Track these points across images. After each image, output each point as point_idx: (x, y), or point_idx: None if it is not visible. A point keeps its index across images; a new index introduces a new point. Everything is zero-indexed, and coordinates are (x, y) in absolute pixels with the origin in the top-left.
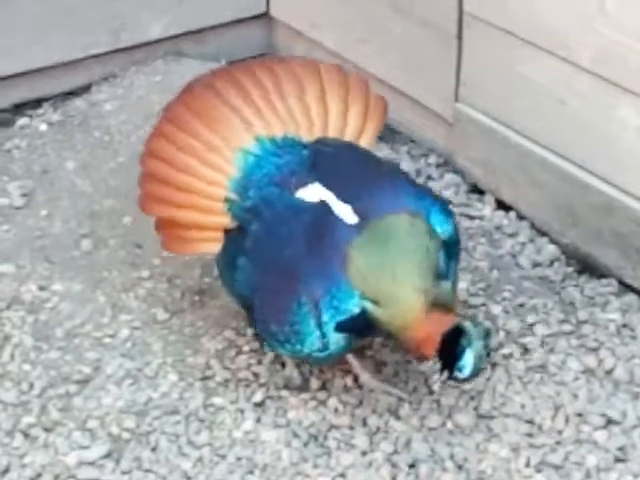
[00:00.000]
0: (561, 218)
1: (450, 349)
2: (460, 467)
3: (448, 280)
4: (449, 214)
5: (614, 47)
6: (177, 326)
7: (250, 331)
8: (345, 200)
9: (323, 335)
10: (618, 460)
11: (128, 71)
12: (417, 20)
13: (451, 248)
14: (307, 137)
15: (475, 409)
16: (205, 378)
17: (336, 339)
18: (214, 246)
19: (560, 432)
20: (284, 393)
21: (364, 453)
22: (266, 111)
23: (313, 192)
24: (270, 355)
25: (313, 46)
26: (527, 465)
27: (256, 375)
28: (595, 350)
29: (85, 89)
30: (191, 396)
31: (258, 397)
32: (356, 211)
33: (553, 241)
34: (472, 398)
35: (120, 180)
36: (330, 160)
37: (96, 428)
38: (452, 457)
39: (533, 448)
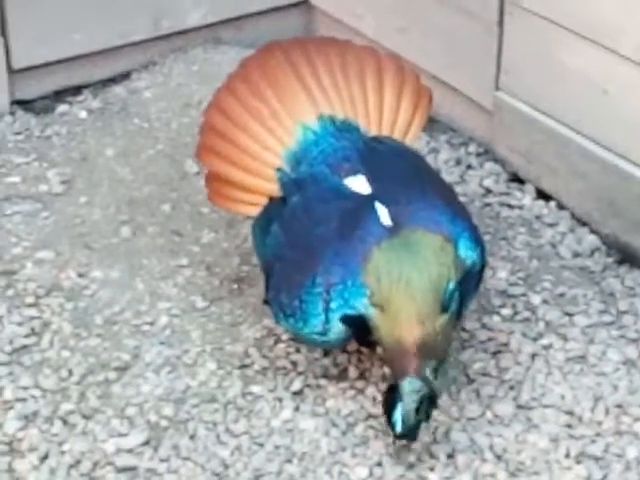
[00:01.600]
0: (602, 208)
1: (386, 406)
2: (499, 457)
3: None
4: (477, 242)
5: None
6: (216, 314)
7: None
8: (384, 201)
9: (327, 320)
10: None
11: (167, 58)
12: (457, 8)
13: (472, 275)
14: (364, 125)
15: (514, 399)
16: (243, 366)
17: (338, 329)
18: (256, 210)
19: (600, 423)
20: (322, 382)
21: (402, 443)
22: (331, 91)
23: (360, 183)
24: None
25: (353, 34)
26: (567, 456)
27: (294, 364)
28: (635, 341)
29: (125, 76)
30: (229, 384)
31: (296, 386)
32: (391, 215)
33: (593, 231)
34: (511, 388)
35: (159, 167)
36: (381, 159)
37: (134, 416)
38: (491, 447)
39: (573, 439)
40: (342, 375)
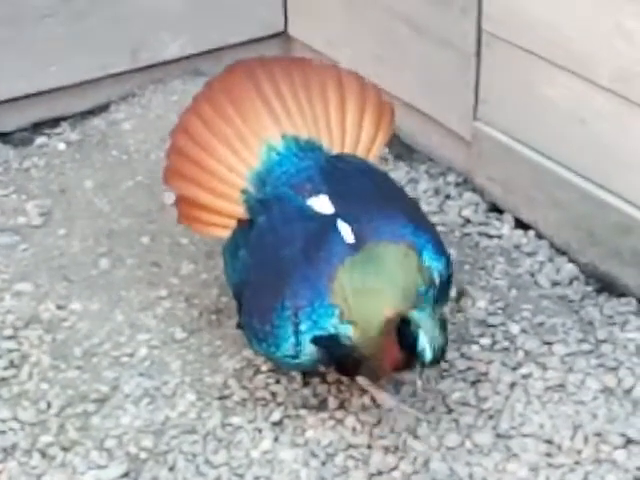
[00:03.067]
0: (580, 237)
1: (406, 342)
2: None
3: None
4: (442, 252)
5: (633, 66)
6: (195, 345)
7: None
8: (346, 220)
9: (297, 343)
10: None
11: (146, 90)
12: (435, 38)
13: (440, 286)
14: (326, 144)
15: (494, 428)
16: (223, 397)
17: (309, 351)
18: (225, 232)
19: (579, 452)
20: (302, 412)
21: (381, 473)
22: (294, 110)
23: (322, 203)
24: (288, 375)
25: None
26: None
27: (274, 394)
28: (614, 369)
29: (103, 108)
30: (209, 415)
31: (276, 416)
32: (355, 233)
33: (572, 260)
34: (491, 417)
35: (138, 199)
36: (344, 177)
37: (114, 447)
38: (471, 476)
39: (552, 468)
40: (322, 405)
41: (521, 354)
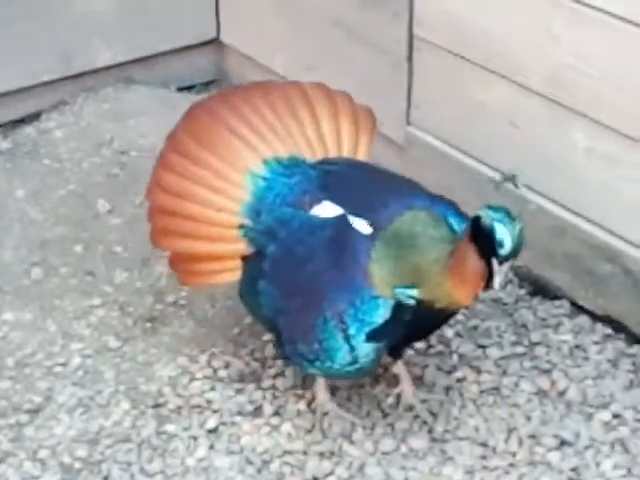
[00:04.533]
0: None
1: (483, 240)
2: None
3: None
4: (465, 216)
5: (563, 70)
6: (129, 354)
7: (204, 358)
8: (360, 215)
9: (352, 348)
10: None
11: (78, 98)
12: (367, 44)
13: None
14: (309, 156)
15: (429, 432)
16: (158, 405)
17: (366, 351)
18: (233, 275)
19: (514, 454)
20: (237, 419)
21: (317, 478)
22: (267, 133)
23: (327, 208)
24: (224, 381)
25: (263, 72)
26: None
27: (209, 402)
28: (548, 372)
29: (35, 117)
30: (143, 424)
31: (211, 424)
32: (371, 223)
33: None
34: (425, 422)
35: (71, 208)
36: (339, 178)
37: (47, 458)
38: None
39: (487, 470)
40: (257, 412)
41: (456, 358)
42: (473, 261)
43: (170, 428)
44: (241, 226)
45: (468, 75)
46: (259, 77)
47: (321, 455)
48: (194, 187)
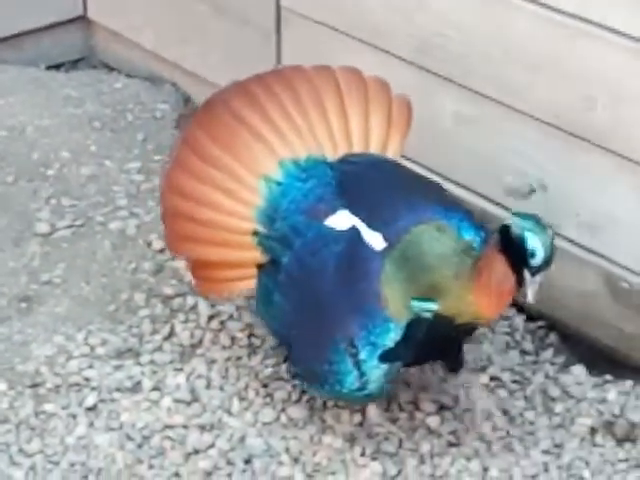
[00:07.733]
0: None
1: (513, 251)
2: (296, 460)
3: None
4: (480, 226)
5: (432, 37)
6: (5, 334)
7: (81, 336)
8: (375, 227)
9: (362, 374)
10: (451, 445)
11: None
12: (235, 16)
13: None
14: (331, 154)
15: (308, 402)
16: (35, 385)
17: (376, 377)
18: (250, 283)
19: (394, 421)
20: (116, 395)
21: (198, 452)
22: (287, 130)
23: (342, 219)
24: (102, 359)
25: (133, 47)
26: (362, 454)
27: (87, 379)
28: None
29: None
30: (21, 404)
31: (90, 401)
32: (386, 238)
33: None
34: (304, 391)
35: None
36: (357, 181)
37: None
38: (287, 450)
39: (368, 438)
40: (136, 388)
41: None
42: (503, 273)
43: (48, 407)
44: (255, 233)
45: (338, 45)
46: (128, 53)
47: (202, 428)
48: (207, 189)
